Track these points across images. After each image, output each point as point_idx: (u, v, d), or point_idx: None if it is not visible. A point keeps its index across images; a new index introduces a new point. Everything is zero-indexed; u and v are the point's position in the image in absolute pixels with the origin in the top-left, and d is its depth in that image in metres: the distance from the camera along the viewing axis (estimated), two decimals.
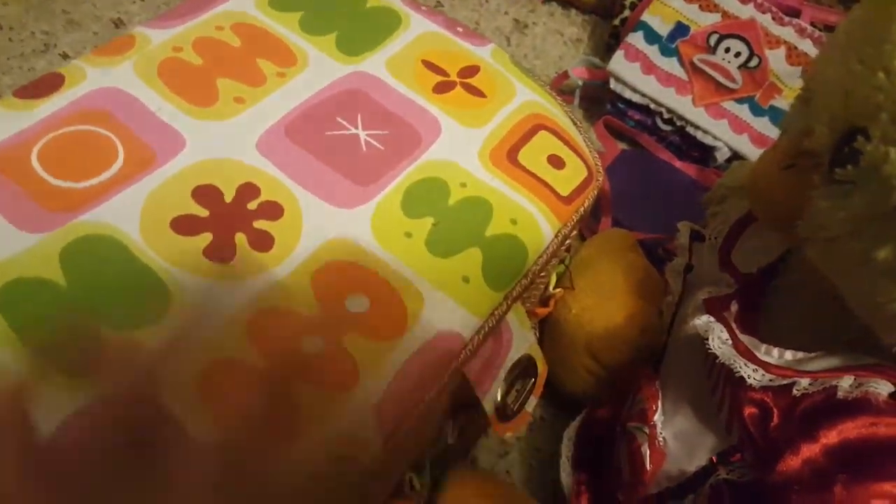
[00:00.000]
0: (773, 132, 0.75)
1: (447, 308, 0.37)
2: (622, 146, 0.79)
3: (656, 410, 0.46)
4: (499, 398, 0.41)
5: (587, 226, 0.71)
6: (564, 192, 0.43)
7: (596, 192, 0.46)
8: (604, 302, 0.56)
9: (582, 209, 0.44)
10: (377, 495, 0.41)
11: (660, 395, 0.47)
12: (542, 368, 0.44)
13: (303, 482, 0.31)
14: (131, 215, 0.35)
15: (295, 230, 0.37)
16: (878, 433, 0.34)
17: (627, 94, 0.79)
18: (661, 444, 0.45)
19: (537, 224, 0.41)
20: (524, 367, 0.43)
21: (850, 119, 0.31)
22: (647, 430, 0.46)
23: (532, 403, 0.44)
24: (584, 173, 0.45)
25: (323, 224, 0.37)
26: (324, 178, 0.39)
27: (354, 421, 0.33)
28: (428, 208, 0.39)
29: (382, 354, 0.34)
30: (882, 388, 0.35)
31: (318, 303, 0.34)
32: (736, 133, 0.75)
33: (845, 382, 0.35)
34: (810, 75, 0.37)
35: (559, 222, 0.43)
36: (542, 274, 0.47)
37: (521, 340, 0.43)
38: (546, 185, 0.43)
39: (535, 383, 0.44)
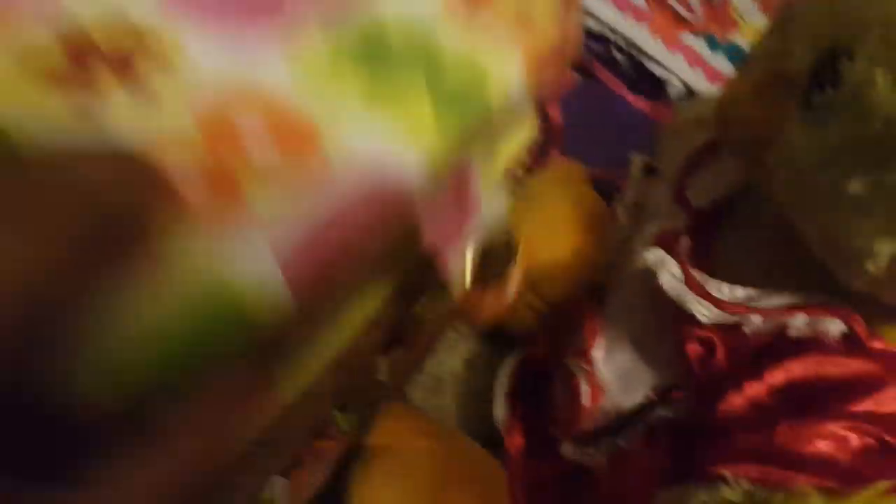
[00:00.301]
0: (728, 69, 0.75)
1: (389, 143, 0.32)
2: (575, 76, 0.77)
3: (597, 347, 0.45)
4: (467, 274, 0.38)
5: (535, 159, 0.69)
6: (534, 44, 0.39)
7: (566, 57, 0.41)
8: (550, 235, 0.54)
9: (552, 69, 0.40)
10: (297, 432, 0.39)
11: (601, 331, 0.46)
12: (519, 241, 0.40)
13: (171, 327, 0.26)
14: None
15: (183, 73, 0.30)
16: (825, 373, 0.34)
17: (585, 21, 0.76)
18: (599, 380, 0.44)
19: (503, 67, 0.36)
20: (498, 239, 0.39)
21: (834, 38, 0.29)
22: (585, 367, 0.45)
23: (512, 285, 0.40)
24: (555, 35, 0.40)
25: (219, 62, 0.31)
26: (222, 6, 0.32)
27: (249, 265, 0.27)
28: (359, 36, 0.34)
29: (291, 195, 0.29)
30: (834, 327, 0.34)
31: (210, 155, 0.29)
32: (691, 67, 0.74)
33: (797, 321, 0.35)
34: None
35: (527, 71, 0.38)
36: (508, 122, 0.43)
37: (492, 204, 0.39)
38: (513, 34, 0.38)
39: (512, 257, 0.41)
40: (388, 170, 0.32)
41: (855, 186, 0.29)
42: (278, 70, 0.32)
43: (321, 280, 0.29)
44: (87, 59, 0.30)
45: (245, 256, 0.28)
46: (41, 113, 0.28)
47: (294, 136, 0.31)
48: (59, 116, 0.28)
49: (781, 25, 0.35)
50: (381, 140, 0.32)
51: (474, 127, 0.35)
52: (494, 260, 0.38)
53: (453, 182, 0.35)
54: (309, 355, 0.33)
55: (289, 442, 0.38)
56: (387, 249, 0.32)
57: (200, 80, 0.31)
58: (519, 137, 0.46)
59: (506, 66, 0.37)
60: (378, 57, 0.34)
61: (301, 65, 0.32)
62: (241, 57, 0.32)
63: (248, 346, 0.28)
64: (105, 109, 0.29)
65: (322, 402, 0.40)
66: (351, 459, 0.45)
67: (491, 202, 0.38)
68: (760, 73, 0.34)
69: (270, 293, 0.28)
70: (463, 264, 0.37)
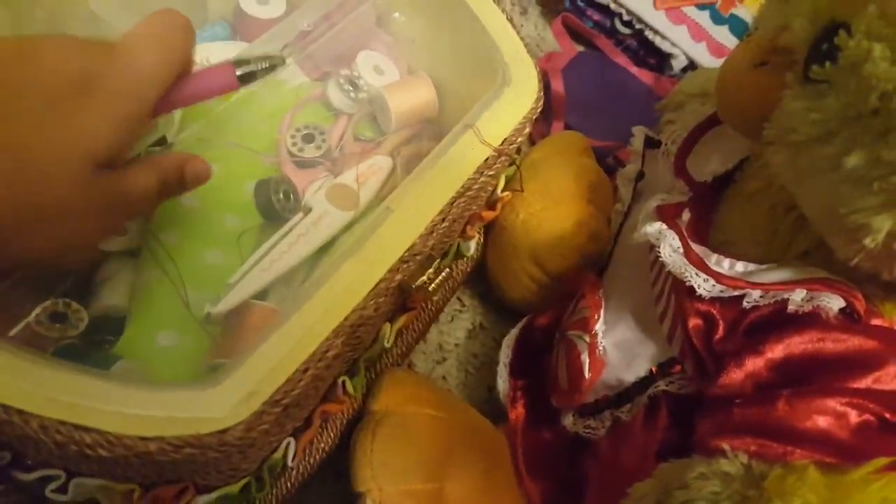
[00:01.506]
0: (731, 42, 0.74)
1: None
2: (579, 48, 0.76)
3: (598, 320, 0.45)
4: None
5: (538, 130, 0.68)
6: None
7: None
8: (552, 207, 0.54)
9: None
10: (308, 396, 0.39)
11: (602, 304, 0.46)
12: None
13: None
14: None
15: None
16: (824, 349, 0.34)
17: None
18: (601, 353, 0.44)
19: None
20: None
21: (833, 12, 0.29)
22: (587, 339, 0.45)
23: None
24: None
25: None
26: None
27: None
28: None
29: None
30: (833, 302, 0.34)
31: None
32: (694, 41, 0.73)
33: (797, 296, 0.34)
34: None
35: None
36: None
37: None
38: None
39: None
40: None
41: (853, 161, 0.28)
42: None
43: None
44: None
45: None
46: None
47: None
48: None
49: None
50: None
51: None
52: None
53: None
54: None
55: (303, 405, 0.39)
56: None
57: None
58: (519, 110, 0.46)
59: None
60: None
61: None
62: None
63: None
64: None
65: (332, 367, 0.40)
66: (357, 423, 0.46)
67: None
68: (759, 46, 0.34)
69: None
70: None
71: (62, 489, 0.34)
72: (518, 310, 0.57)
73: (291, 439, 0.41)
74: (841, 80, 0.29)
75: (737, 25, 0.75)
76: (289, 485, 0.43)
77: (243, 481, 0.38)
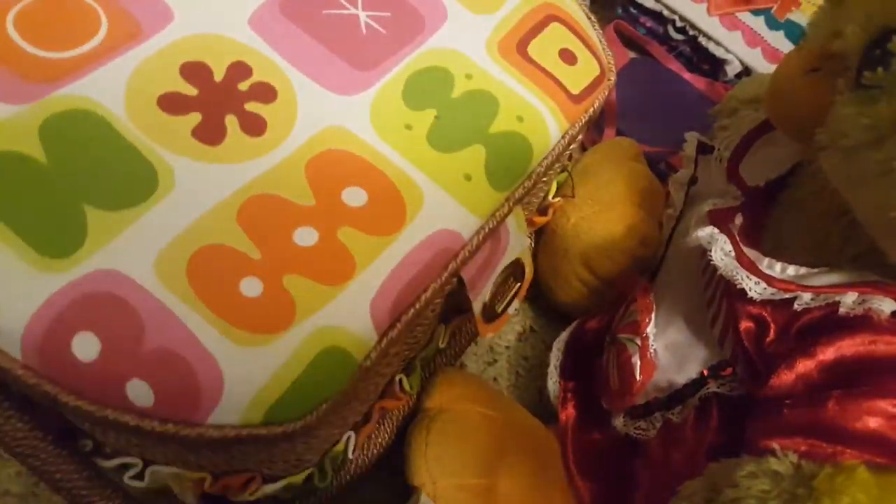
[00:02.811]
0: (787, 47, 0.73)
1: (447, 205, 0.36)
2: (631, 54, 0.77)
3: (649, 322, 0.46)
4: (486, 299, 0.41)
5: (590, 137, 0.69)
6: (575, 89, 0.41)
7: (607, 92, 0.43)
8: (603, 211, 0.54)
9: (592, 110, 0.42)
10: (368, 392, 0.41)
11: (654, 307, 0.46)
12: (529, 273, 0.44)
13: (293, 373, 0.30)
14: (115, 91, 0.33)
15: (289, 115, 0.35)
16: (875, 351, 0.34)
17: None
18: (652, 355, 0.45)
19: (545, 122, 0.39)
20: (513, 271, 0.42)
21: (885, 19, 0.29)
22: (638, 342, 0.45)
23: (515, 306, 0.43)
24: (597, 71, 0.42)
25: (319, 110, 0.35)
26: (320, 60, 0.37)
27: (349, 315, 0.32)
28: (430, 99, 0.37)
29: (379, 249, 0.33)
30: (885, 305, 0.34)
31: (313, 193, 0.33)
32: (749, 46, 0.73)
33: (848, 299, 0.34)
34: None
35: (567, 122, 0.41)
36: (545, 178, 0.46)
37: (517, 244, 0.42)
38: (556, 80, 0.41)
39: (521, 287, 0.44)
40: (443, 216, 0.36)
41: None
42: (363, 117, 0.36)
43: (395, 319, 0.34)
44: (203, 84, 0.33)
45: (347, 308, 0.32)
46: (168, 135, 0.31)
47: (379, 184, 0.35)
48: (183, 140, 0.32)
49: (833, 5, 0.35)
50: (440, 185, 0.36)
51: (516, 176, 0.39)
52: (506, 285, 0.42)
53: (492, 231, 0.38)
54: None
55: (363, 400, 0.41)
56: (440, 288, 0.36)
57: (304, 119, 0.34)
58: None
59: (549, 114, 0.40)
60: (440, 94, 0.38)
61: (379, 111, 0.36)
62: (335, 104, 0.36)
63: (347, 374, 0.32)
64: (221, 133, 0.33)
65: (390, 365, 0.42)
66: (412, 420, 0.47)
67: (517, 242, 0.42)
68: (810, 52, 0.34)
69: (364, 335, 0.32)
70: (485, 293, 0.41)
71: (139, 476, 0.35)
72: (568, 313, 0.58)
73: (352, 433, 0.42)
74: (893, 86, 0.29)
75: (793, 30, 0.74)
76: (348, 477, 0.45)
77: (307, 471, 0.40)
